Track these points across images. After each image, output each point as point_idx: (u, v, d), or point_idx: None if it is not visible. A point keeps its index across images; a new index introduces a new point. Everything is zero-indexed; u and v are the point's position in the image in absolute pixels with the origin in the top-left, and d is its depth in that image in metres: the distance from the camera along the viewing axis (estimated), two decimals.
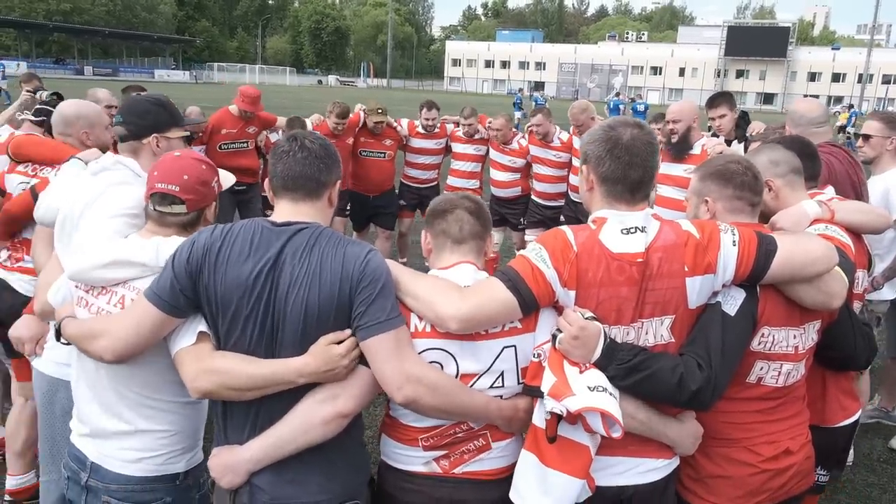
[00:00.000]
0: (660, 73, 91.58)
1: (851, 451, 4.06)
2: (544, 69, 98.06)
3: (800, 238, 2.14)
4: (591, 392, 1.80)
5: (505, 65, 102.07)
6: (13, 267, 3.40)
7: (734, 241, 1.97)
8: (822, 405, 2.55)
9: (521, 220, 7.18)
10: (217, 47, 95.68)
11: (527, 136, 6.89)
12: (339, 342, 1.84)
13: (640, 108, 28.81)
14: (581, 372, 1.86)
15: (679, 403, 1.98)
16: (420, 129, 7.10)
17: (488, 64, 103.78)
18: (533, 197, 7.05)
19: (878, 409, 4.90)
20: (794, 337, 2.17)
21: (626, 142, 1.96)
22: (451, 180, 7.33)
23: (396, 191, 7.45)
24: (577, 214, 6.54)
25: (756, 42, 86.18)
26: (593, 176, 2.02)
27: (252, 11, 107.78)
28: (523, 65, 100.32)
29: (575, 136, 6.51)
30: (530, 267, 1.91)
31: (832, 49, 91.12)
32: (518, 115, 27.33)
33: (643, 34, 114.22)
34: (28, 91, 6.39)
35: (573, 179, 6.61)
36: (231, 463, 1.91)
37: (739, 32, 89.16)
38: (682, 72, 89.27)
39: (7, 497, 3.38)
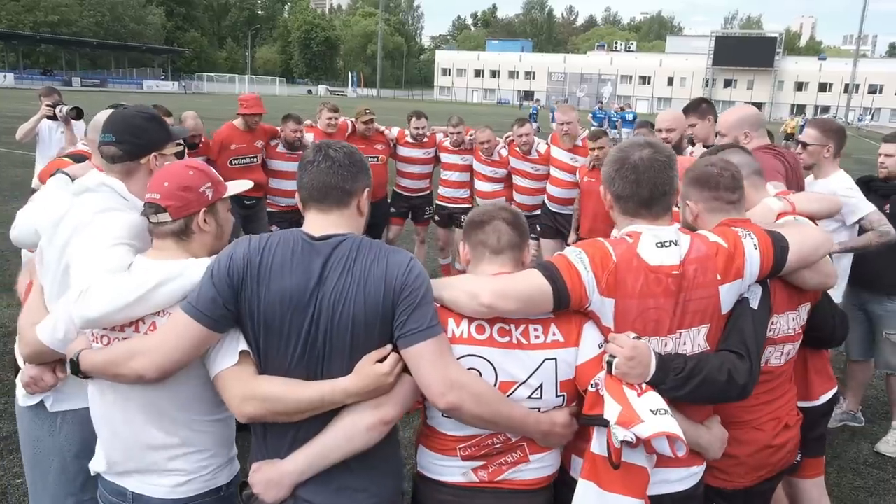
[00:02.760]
0: (648, 83, 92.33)
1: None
2: (534, 79, 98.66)
3: (800, 229, 2.32)
4: (656, 416, 1.83)
5: (495, 74, 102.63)
6: None
7: (755, 245, 2.11)
8: (805, 383, 2.73)
9: None
10: (206, 58, 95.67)
11: (507, 147, 6.87)
12: (382, 359, 1.84)
13: (629, 117, 29.04)
14: (639, 395, 1.88)
15: (730, 398, 2.07)
16: (409, 139, 7.10)
17: (478, 73, 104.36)
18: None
19: (845, 413, 4.96)
20: (793, 319, 2.38)
21: (633, 161, 2.06)
22: (442, 190, 7.35)
23: (388, 199, 7.43)
24: (555, 224, 6.59)
25: (743, 52, 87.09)
26: (609, 195, 2.14)
27: (241, 22, 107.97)
28: (513, 74, 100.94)
29: (558, 146, 6.53)
30: (568, 264, 1.96)
31: (819, 59, 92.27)
32: (534, 126, 27.43)
33: (632, 44, 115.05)
34: (48, 105, 6.39)
35: (550, 189, 6.64)
36: (275, 477, 1.89)
37: (727, 42, 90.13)
38: (670, 81, 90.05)
39: None
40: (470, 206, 7.25)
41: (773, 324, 2.29)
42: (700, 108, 4.83)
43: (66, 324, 2.09)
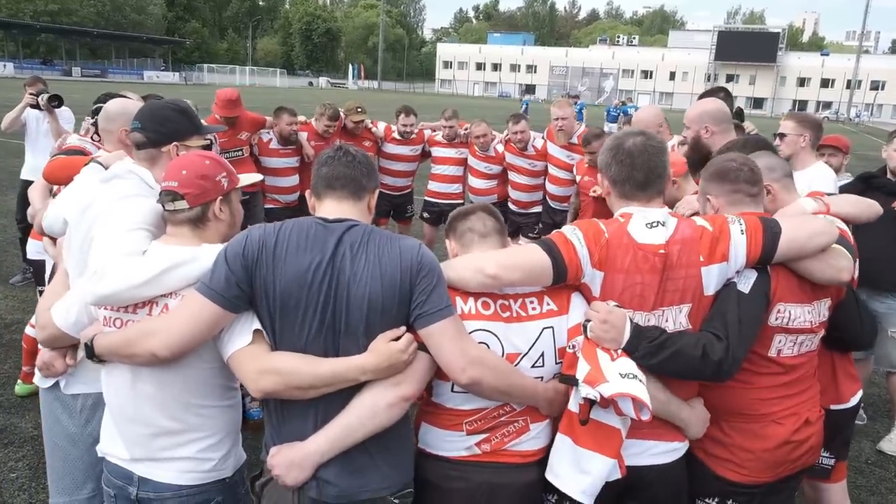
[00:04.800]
0: (650, 77, 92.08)
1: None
2: (535, 72, 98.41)
3: (801, 218, 2.38)
4: (623, 379, 1.93)
5: (496, 67, 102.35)
6: None
7: (742, 230, 2.17)
8: (834, 385, 2.72)
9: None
10: (207, 49, 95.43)
11: (503, 143, 6.70)
12: (397, 338, 1.89)
13: (631, 111, 29.21)
14: (613, 360, 1.99)
15: (704, 376, 2.13)
16: (396, 135, 6.83)
17: (479, 66, 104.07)
18: (510, 206, 6.84)
19: None
20: (809, 312, 2.35)
21: (628, 147, 2.19)
22: (433, 186, 7.14)
23: None
24: (555, 221, 6.44)
25: (746, 47, 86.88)
26: (607, 181, 2.26)
27: (242, 13, 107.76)
28: (514, 68, 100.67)
29: (553, 143, 6.39)
30: (565, 240, 2.09)
31: (821, 55, 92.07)
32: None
33: (634, 38, 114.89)
34: (31, 94, 6.36)
35: (550, 188, 6.53)
36: (297, 459, 1.91)
37: (730, 37, 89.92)
38: (672, 76, 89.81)
39: None
40: (462, 202, 7.03)
41: (780, 312, 2.29)
42: (717, 96, 4.79)
43: (78, 307, 2.15)
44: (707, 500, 2.36)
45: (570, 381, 2.01)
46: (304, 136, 6.41)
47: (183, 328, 1.89)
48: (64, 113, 6.43)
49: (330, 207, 2.01)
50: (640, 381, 1.95)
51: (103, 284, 1.93)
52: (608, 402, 1.93)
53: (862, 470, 4.34)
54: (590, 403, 1.94)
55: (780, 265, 2.24)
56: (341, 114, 6.64)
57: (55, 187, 3.40)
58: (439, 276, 1.95)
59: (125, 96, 3.36)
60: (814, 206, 2.54)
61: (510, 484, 2.11)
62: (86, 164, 2.69)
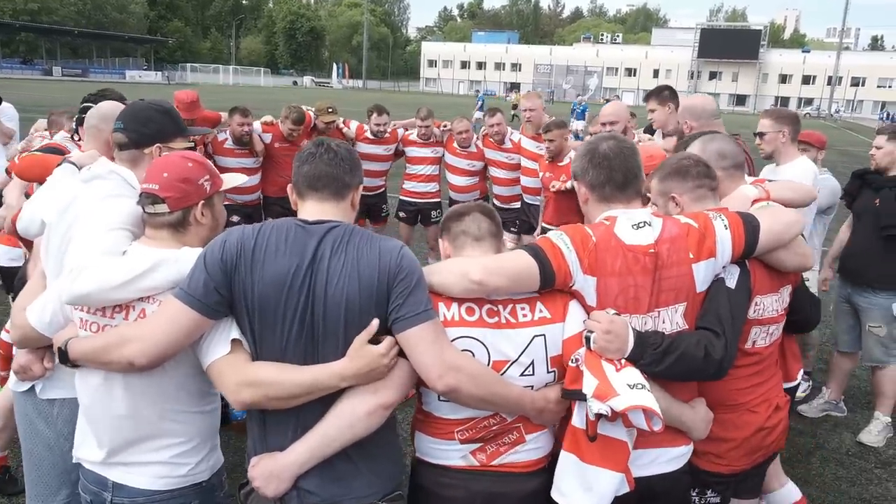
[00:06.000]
0: (634, 75, 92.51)
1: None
2: (520, 70, 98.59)
3: (770, 210, 2.40)
4: (633, 390, 1.88)
5: (481, 66, 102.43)
6: None
7: (725, 226, 2.18)
8: (784, 365, 2.79)
9: None
10: (190, 48, 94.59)
11: (481, 139, 6.72)
12: (377, 341, 1.84)
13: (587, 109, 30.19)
14: (618, 370, 1.94)
15: (707, 375, 2.11)
16: (369, 135, 6.74)
17: (464, 65, 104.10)
18: (493, 201, 6.88)
19: (827, 402, 5.00)
20: (776, 301, 2.42)
21: (603, 151, 2.19)
22: (409, 185, 7.06)
23: None
24: (529, 219, 6.50)
25: (728, 44, 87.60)
26: (584, 187, 2.24)
27: (226, 11, 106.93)
28: (499, 66, 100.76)
29: (523, 135, 6.44)
30: (551, 245, 2.04)
31: (802, 52, 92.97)
32: (478, 115, 27.86)
33: (618, 36, 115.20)
34: None
35: (525, 181, 6.53)
36: (276, 470, 1.88)
37: (712, 35, 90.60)
38: (656, 73, 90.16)
39: None
40: (439, 200, 7.06)
41: (757, 305, 2.34)
42: (661, 94, 4.78)
43: (53, 307, 2.10)
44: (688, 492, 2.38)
45: (576, 397, 1.94)
46: (268, 137, 6.24)
47: (161, 336, 1.84)
48: (7, 111, 6.33)
49: (311, 208, 1.97)
50: (648, 390, 1.91)
51: (79, 283, 1.88)
52: (616, 416, 1.87)
53: (843, 461, 4.39)
54: (597, 418, 1.88)
55: (754, 259, 2.27)
56: (311, 113, 6.54)
57: (28, 186, 3.35)
58: (419, 278, 1.89)
59: (121, 96, 3.29)
60: (755, 193, 2.57)
61: (510, 493, 2.05)
62: (58, 165, 2.64)
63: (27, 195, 2.97)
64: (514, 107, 31.43)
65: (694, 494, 2.39)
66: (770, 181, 2.81)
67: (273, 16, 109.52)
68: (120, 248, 1.98)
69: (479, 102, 34.23)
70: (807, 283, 3.15)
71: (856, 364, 5.02)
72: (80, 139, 3.46)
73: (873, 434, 4.64)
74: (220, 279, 1.83)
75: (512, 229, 6.60)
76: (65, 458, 2.31)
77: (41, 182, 2.72)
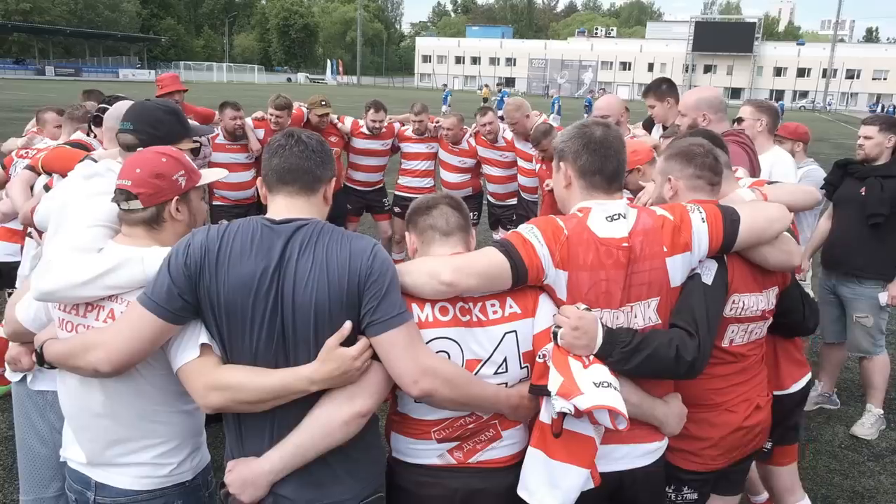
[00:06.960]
0: (629, 69, 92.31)
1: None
2: (515, 65, 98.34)
3: (755, 203, 2.35)
4: (598, 389, 1.86)
5: (475, 61, 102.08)
6: None
7: (703, 218, 2.13)
8: (775, 372, 2.74)
9: (475, 215, 7.00)
10: (183, 46, 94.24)
11: (473, 136, 6.71)
12: (348, 344, 1.79)
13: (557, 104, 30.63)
14: (585, 367, 1.91)
15: (678, 375, 2.09)
16: (364, 130, 6.71)
17: (459, 60, 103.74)
18: (488, 198, 6.91)
19: (821, 395, 5.02)
20: (759, 301, 2.35)
21: (599, 137, 2.11)
22: (404, 180, 7.04)
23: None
24: (528, 214, 6.49)
25: (723, 37, 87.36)
26: (571, 171, 2.14)
27: (218, 9, 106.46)
28: (494, 61, 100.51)
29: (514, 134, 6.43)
30: (523, 240, 1.99)
31: (797, 44, 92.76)
32: (444, 108, 28.68)
33: (612, 30, 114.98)
34: None
35: (522, 180, 6.54)
36: (250, 477, 1.85)
37: (706, 28, 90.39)
38: (650, 67, 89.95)
39: None
40: None
41: (735, 302, 2.29)
42: (660, 89, 4.75)
43: (37, 303, 2.09)
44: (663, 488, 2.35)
45: (541, 392, 1.92)
46: (251, 127, 6.19)
47: (123, 343, 1.80)
48: None
49: (280, 204, 1.90)
50: (615, 388, 1.89)
51: (45, 280, 1.87)
52: (581, 413, 1.86)
53: (835, 454, 4.41)
54: (563, 416, 1.88)
55: (735, 255, 2.22)
56: (302, 107, 6.49)
57: (48, 179, 3.36)
58: (392, 280, 1.83)
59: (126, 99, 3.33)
60: (752, 197, 2.54)
61: (489, 489, 2.04)
62: (81, 160, 2.66)
63: (47, 188, 2.97)
64: (485, 100, 32.53)
65: (670, 491, 2.36)
66: (770, 183, 2.78)
67: (266, 13, 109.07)
68: (96, 246, 1.97)
69: (446, 97, 34.82)
70: (802, 282, 3.15)
71: (845, 355, 5.03)
72: (95, 137, 3.63)
73: (866, 427, 4.65)
74: (184, 284, 1.78)
75: (508, 226, 6.61)
76: (56, 451, 2.31)
77: (63, 175, 2.74)
